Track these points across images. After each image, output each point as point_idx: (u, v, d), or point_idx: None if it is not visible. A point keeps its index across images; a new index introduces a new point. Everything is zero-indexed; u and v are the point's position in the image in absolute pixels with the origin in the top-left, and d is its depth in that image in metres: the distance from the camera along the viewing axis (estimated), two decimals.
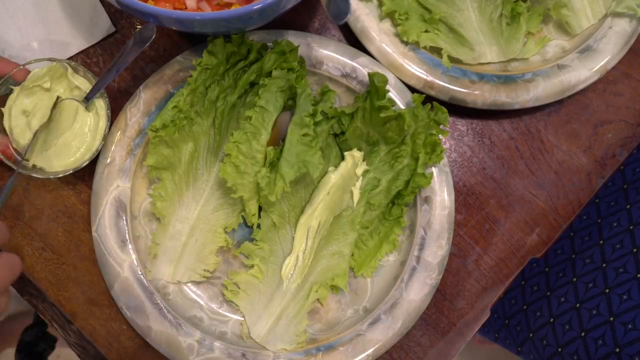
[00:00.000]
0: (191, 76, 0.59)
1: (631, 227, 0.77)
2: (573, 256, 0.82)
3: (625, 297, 0.73)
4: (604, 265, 0.77)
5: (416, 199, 0.62)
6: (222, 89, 0.61)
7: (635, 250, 0.75)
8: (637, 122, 0.69)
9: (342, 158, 0.62)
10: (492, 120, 0.68)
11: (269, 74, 0.60)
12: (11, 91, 0.59)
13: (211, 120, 0.62)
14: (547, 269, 0.84)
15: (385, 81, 0.59)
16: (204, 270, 0.61)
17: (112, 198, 0.60)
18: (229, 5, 0.55)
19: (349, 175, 0.61)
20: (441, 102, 0.62)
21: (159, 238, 0.61)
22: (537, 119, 0.68)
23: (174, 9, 0.55)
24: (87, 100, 0.59)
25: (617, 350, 0.71)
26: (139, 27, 0.66)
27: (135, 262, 0.60)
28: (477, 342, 1.43)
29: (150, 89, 0.61)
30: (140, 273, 0.60)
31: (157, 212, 0.61)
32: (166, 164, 0.61)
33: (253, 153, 0.59)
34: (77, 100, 0.60)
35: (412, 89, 0.64)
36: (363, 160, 0.62)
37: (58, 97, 0.60)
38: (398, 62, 0.63)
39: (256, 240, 0.62)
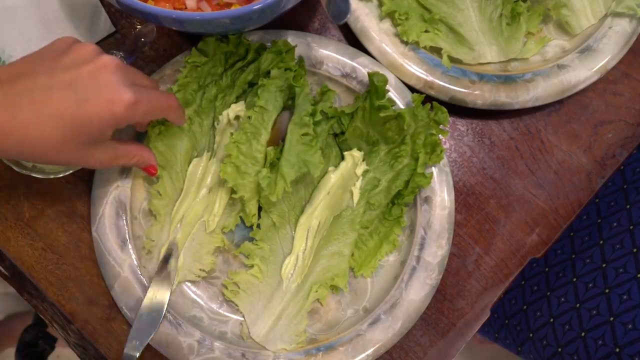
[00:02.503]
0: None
1: (631, 227, 0.77)
2: (573, 256, 0.82)
3: (625, 297, 0.73)
4: (604, 265, 0.77)
5: (416, 199, 0.62)
6: (221, 88, 0.61)
7: (635, 250, 0.75)
8: (637, 122, 0.69)
9: (342, 158, 0.62)
10: (492, 120, 0.68)
11: (267, 74, 0.60)
12: None
13: (211, 120, 0.62)
14: (547, 269, 0.84)
15: (385, 81, 0.59)
16: (200, 270, 0.61)
17: (112, 198, 0.60)
18: (229, 5, 0.55)
19: (349, 175, 0.61)
20: (441, 102, 0.62)
21: (155, 235, 0.61)
22: (537, 119, 0.68)
23: (174, 9, 0.55)
24: None
25: (617, 350, 0.71)
26: (139, 27, 0.66)
27: (135, 262, 0.60)
28: (477, 342, 1.43)
29: None
30: (140, 273, 0.60)
31: (154, 209, 0.61)
32: (163, 161, 0.61)
33: (253, 153, 0.59)
34: None
35: (412, 89, 0.64)
36: (363, 160, 0.62)
37: None
38: (398, 62, 0.63)
39: (256, 240, 0.62)
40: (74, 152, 0.47)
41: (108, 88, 0.46)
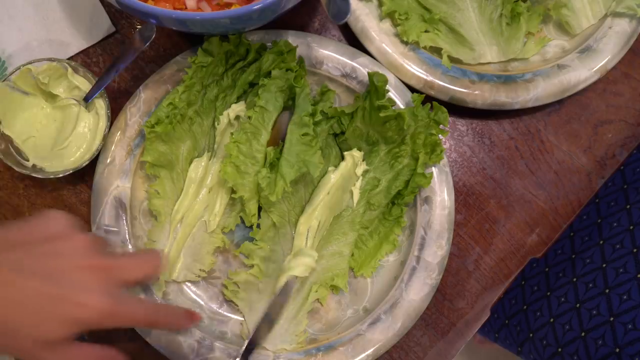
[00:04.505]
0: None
1: (631, 227, 0.77)
2: (573, 256, 0.82)
3: (625, 297, 0.73)
4: (604, 265, 0.77)
5: (416, 199, 0.62)
6: (222, 89, 0.61)
7: (635, 250, 0.75)
8: (637, 122, 0.69)
9: (342, 158, 0.62)
10: (492, 120, 0.68)
11: (268, 74, 0.60)
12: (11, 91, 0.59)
13: (211, 121, 0.62)
14: (547, 269, 0.84)
15: (385, 81, 0.59)
16: (200, 270, 0.61)
17: (112, 198, 0.60)
18: (229, 5, 0.55)
19: (348, 175, 0.61)
20: (441, 102, 0.62)
21: (156, 235, 0.61)
22: (537, 119, 0.68)
23: (174, 9, 0.55)
24: (87, 100, 0.59)
25: (617, 350, 0.71)
26: (139, 27, 0.66)
27: None
28: (477, 342, 1.43)
29: (150, 89, 0.61)
30: None
31: (154, 208, 0.61)
32: (163, 162, 0.61)
33: (253, 153, 0.59)
34: (76, 101, 0.60)
35: (412, 89, 0.64)
36: (363, 160, 0.62)
37: (58, 98, 0.60)
38: (398, 62, 0.63)
39: (256, 240, 0.62)
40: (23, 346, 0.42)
41: (84, 290, 0.42)
